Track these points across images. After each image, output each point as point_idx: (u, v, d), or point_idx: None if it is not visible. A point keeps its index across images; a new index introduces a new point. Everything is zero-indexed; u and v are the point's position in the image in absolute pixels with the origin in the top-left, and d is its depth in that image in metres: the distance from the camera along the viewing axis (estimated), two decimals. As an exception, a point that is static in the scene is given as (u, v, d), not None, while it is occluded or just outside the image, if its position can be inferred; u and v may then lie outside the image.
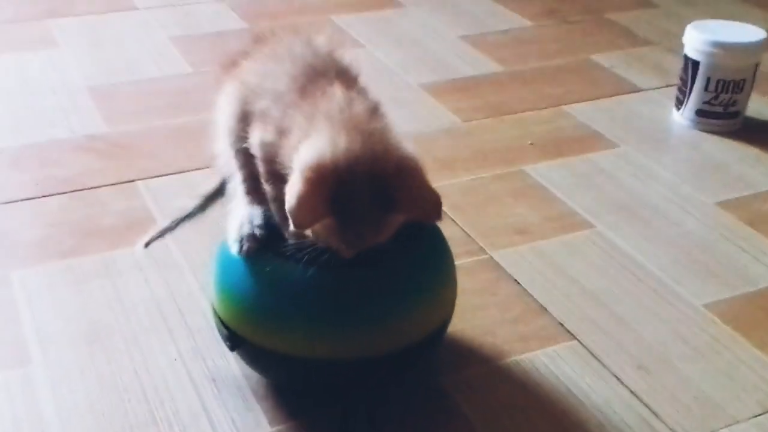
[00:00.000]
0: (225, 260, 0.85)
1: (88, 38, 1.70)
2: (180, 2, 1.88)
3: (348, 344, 0.81)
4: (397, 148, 0.76)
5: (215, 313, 0.87)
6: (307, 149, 0.74)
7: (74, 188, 1.23)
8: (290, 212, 0.72)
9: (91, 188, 1.23)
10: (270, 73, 0.82)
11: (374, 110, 0.78)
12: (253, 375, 0.91)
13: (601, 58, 1.67)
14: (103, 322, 0.98)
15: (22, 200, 1.20)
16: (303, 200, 0.71)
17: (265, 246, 0.83)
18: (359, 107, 0.76)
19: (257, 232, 0.83)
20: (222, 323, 0.85)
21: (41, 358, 0.93)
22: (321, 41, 0.84)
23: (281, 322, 0.81)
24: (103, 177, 1.25)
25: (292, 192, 0.72)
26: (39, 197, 1.21)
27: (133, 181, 1.23)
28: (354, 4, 1.85)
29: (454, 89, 1.53)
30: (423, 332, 0.84)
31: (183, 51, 1.65)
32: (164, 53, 1.65)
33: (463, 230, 1.15)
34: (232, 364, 0.92)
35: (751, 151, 1.36)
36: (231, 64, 0.88)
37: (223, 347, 0.93)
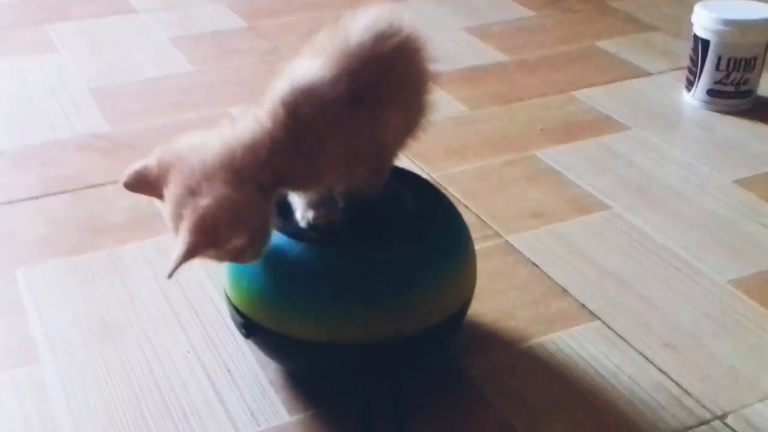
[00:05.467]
0: (237, 245, 0.83)
1: (86, 41, 1.68)
2: (178, 3, 1.86)
3: (367, 327, 0.78)
4: None
5: (228, 300, 0.84)
6: None
7: (79, 186, 1.20)
8: None
9: (96, 186, 1.20)
10: None
11: None
12: (270, 364, 0.88)
13: (607, 45, 1.65)
14: (113, 318, 0.96)
15: (26, 199, 1.17)
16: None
17: (276, 227, 0.80)
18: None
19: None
20: (236, 310, 0.83)
21: (50, 356, 0.90)
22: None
23: (297, 306, 0.78)
24: (108, 174, 1.22)
25: None
26: (43, 196, 1.18)
27: (138, 177, 1.20)
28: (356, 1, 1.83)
29: (460, 79, 1.50)
30: (444, 314, 0.82)
31: (183, 51, 1.63)
32: (164, 53, 1.62)
33: (477, 216, 1.12)
34: (248, 354, 0.90)
35: (765, 130, 1.33)
36: None
37: (238, 337, 0.90)
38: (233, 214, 0.70)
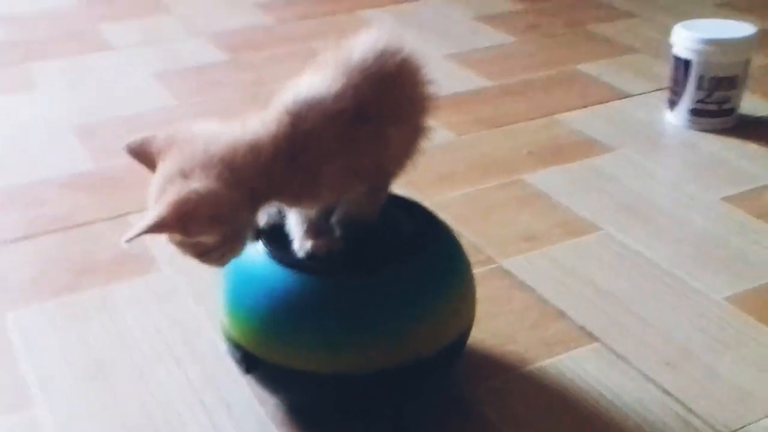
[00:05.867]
0: (235, 278, 0.82)
1: (68, 79, 1.67)
2: (158, 39, 1.86)
3: (370, 357, 0.77)
4: None
5: (227, 335, 0.83)
6: None
7: (66, 225, 1.19)
8: None
9: (83, 224, 1.19)
10: None
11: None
12: (269, 399, 0.87)
13: (588, 68, 1.66)
14: (106, 358, 0.94)
15: (12, 241, 1.16)
16: None
17: (275, 258, 0.79)
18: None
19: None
20: (235, 345, 0.81)
21: (44, 400, 0.88)
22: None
23: (298, 338, 0.77)
24: (95, 212, 1.21)
25: None
26: (30, 237, 1.17)
27: (126, 214, 1.19)
28: (340, 32, 1.83)
29: (445, 105, 1.50)
30: (446, 340, 0.81)
31: (166, 85, 1.63)
32: (147, 89, 1.62)
33: (469, 241, 1.12)
34: (246, 389, 0.88)
35: (749, 147, 1.34)
36: None
37: (236, 372, 0.89)
38: (215, 210, 0.70)
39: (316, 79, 0.76)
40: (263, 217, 0.84)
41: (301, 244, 0.80)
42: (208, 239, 0.72)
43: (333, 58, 0.78)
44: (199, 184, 0.70)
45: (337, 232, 0.82)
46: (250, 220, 0.75)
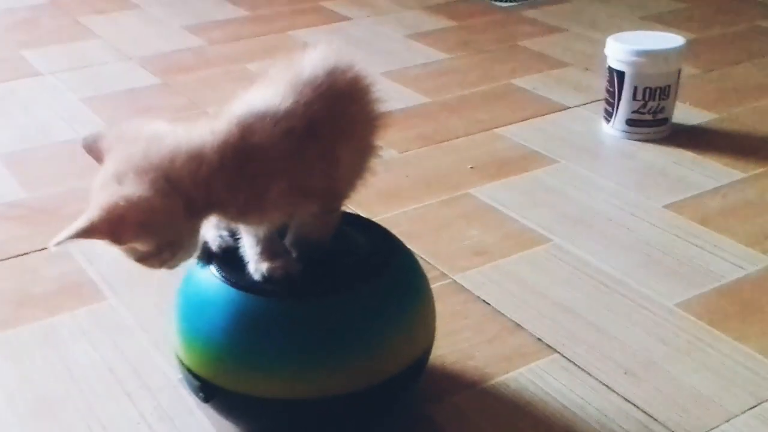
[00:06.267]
0: (187, 305, 0.79)
1: (-9, 107, 1.61)
2: (86, 64, 1.81)
3: (332, 380, 0.75)
4: None
5: (182, 364, 0.80)
6: None
7: (-1, 258, 1.14)
8: None
9: (18, 256, 1.14)
10: None
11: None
12: (229, 429, 0.84)
13: (522, 82, 1.68)
14: (52, 395, 0.89)
15: (-58, 276, 1.10)
16: None
17: (229, 281, 0.77)
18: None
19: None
20: (191, 374, 0.78)
21: (-13, 441, 0.84)
22: None
23: (256, 364, 0.75)
24: (30, 243, 1.16)
25: None
26: (-40, 271, 1.11)
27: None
28: (272, 52, 1.82)
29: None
30: (410, 359, 0.79)
31: (96, 110, 1.58)
32: (76, 115, 1.57)
33: (421, 257, 1.10)
34: (203, 420, 0.85)
35: (685, 155, 1.37)
36: None
37: (191, 403, 0.86)
38: (144, 218, 0.68)
39: (268, 92, 0.74)
40: (215, 240, 0.81)
41: (256, 266, 0.78)
42: (141, 247, 0.70)
43: (283, 74, 0.76)
44: (130, 190, 0.68)
45: (293, 254, 0.80)
46: (189, 230, 0.72)
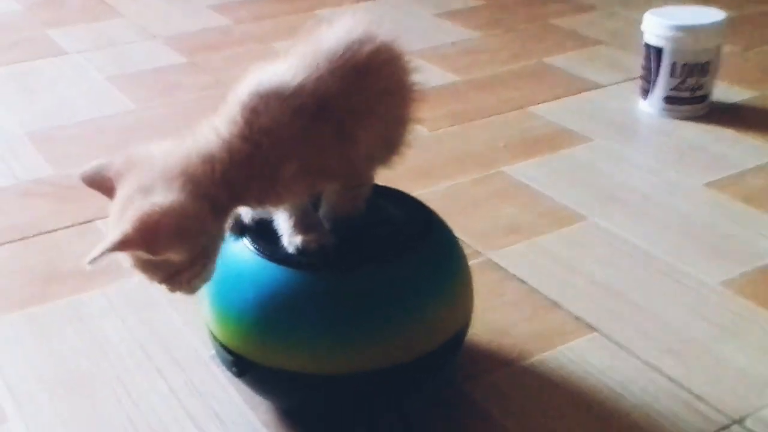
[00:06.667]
0: (220, 278, 0.77)
1: (18, 86, 1.60)
2: (111, 43, 1.80)
3: (367, 355, 0.73)
4: None
5: (215, 338, 0.78)
6: None
7: (26, 235, 1.12)
8: None
9: (46, 233, 1.13)
10: None
11: None
12: (260, 405, 0.82)
13: (554, 60, 1.64)
14: (82, 369, 0.88)
15: (-30, 251, 1.09)
16: None
17: (263, 254, 0.75)
18: None
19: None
20: (224, 348, 0.76)
21: (18, 415, 0.82)
22: None
23: (291, 338, 0.73)
24: (58, 220, 1.15)
25: None
26: (-12, 247, 1.10)
27: (91, 221, 1.13)
28: (298, 31, 1.79)
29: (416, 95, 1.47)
30: (446, 335, 0.77)
31: (122, 89, 1.56)
32: (103, 93, 1.55)
33: (454, 235, 1.08)
34: (235, 396, 0.83)
35: (725, 133, 1.33)
36: None
37: (222, 379, 0.85)
38: (179, 223, 0.66)
39: (281, 67, 0.71)
40: (247, 213, 0.79)
41: (290, 239, 0.75)
42: (175, 257, 0.67)
43: (302, 49, 0.73)
44: (161, 197, 0.66)
45: (327, 226, 0.77)
46: (218, 231, 0.70)
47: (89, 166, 0.71)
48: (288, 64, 0.71)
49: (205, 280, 0.71)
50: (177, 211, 0.65)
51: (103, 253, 0.64)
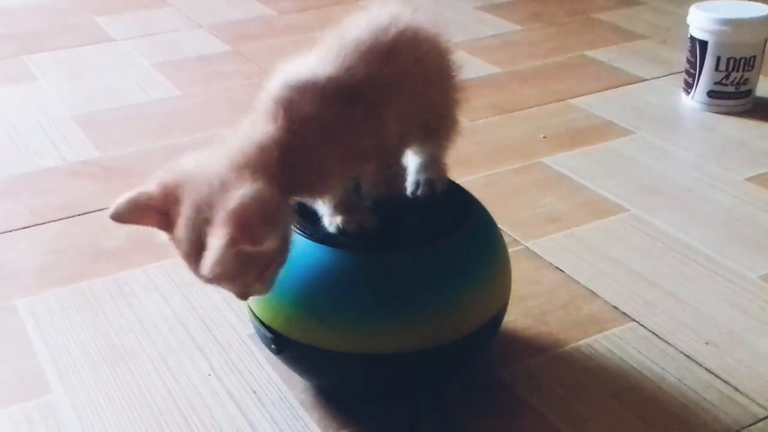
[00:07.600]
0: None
1: (66, 71, 1.63)
2: (157, 31, 1.82)
3: (405, 336, 0.74)
4: None
5: (254, 316, 0.79)
6: None
7: (72, 213, 1.15)
8: None
9: (91, 212, 1.15)
10: None
11: None
12: (297, 384, 0.83)
13: (597, 54, 1.64)
14: (124, 344, 0.90)
15: (19, 229, 1.12)
16: None
17: (304, 234, 0.76)
18: None
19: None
20: (263, 326, 0.78)
21: (61, 386, 0.84)
22: None
23: (330, 317, 0.74)
24: (102, 200, 1.16)
25: None
26: (35, 225, 1.12)
27: (135, 202, 1.15)
28: (336, 21, 1.80)
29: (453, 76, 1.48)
30: (484, 317, 0.78)
31: (168, 76, 1.59)
32: (149, 79, 1.58)
33: (493, 223, 1.09)
34: (272, 374, 0.85)
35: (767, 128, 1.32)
36: None
37: (260, 358, 0.86)
38: (266, 207, 0.65)
39: (310, 59, 0.72)
40: None
41: (331, 219, 0.77)
42: (271, 243, 0.65)
43: (331, 39, 0.74)
44: (243, 189, 0.64)
45: (367, 207, 0.78)
46: (288, 219, 0.70)
47: (118, 204, 0.68)
48: (317, 55, 0.72)
49: (281, 269, 0.70)
50: (262, 196, 0.65)
51: (215, 262, 0.62)
